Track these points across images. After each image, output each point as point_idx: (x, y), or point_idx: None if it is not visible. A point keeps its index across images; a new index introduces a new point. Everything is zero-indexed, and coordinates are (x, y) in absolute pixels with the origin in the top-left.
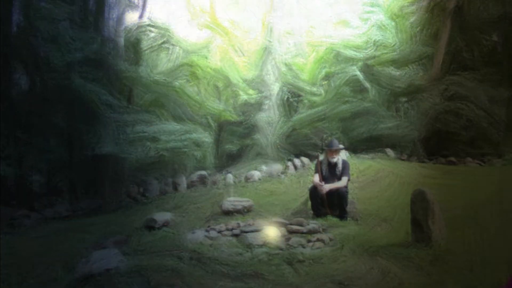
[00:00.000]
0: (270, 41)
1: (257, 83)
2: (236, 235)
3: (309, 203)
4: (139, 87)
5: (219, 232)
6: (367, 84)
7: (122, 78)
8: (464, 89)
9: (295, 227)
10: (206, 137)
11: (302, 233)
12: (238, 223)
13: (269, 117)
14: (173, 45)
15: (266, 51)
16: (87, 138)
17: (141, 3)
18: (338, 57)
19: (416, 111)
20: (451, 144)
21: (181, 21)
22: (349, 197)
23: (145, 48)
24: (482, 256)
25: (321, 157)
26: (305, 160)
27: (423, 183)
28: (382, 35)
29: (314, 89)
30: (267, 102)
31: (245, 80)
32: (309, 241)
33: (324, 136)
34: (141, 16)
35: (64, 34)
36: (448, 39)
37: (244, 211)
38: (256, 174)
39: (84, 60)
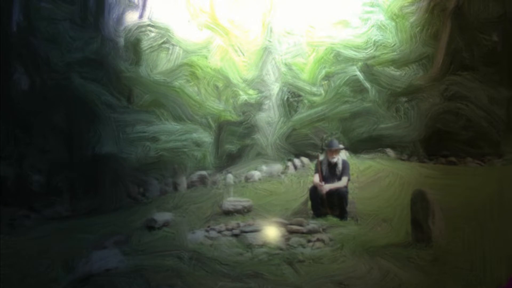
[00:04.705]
0: (270, 41)
1: (257, 83)
2: (236, 235)
3: (309, 203)
4: (139, 87)
5: (219, 232)
6: (367, 84)
7: (122, 78)
8: (464, 89)
9: (295, 227)
10: (206, 137)
11: (302, 233)
12: (238, 223)
13: (269, 117)
14: (173, 45)
15: (266, 51)
16: (87, 138)
17: (141, 3)
18: (338, 57)
19: (416, 111)
20: (451, 144)
21: (181, 21)
22: (349, 197)
23: (145, 48)
24: (482, 256)
25: (321, 157)
26: (305, 160)
27: (423, 183)
28: (382, 35)
29: (314, 89)
30: (267, 102)
31: (245, 80)
32: (309, 241)
33: (324, 136)
34: (141, 16)
35: (64, 34)
36: (448, 39)
37: (244, 211)
38: (256, 174)
39: (84, 60)
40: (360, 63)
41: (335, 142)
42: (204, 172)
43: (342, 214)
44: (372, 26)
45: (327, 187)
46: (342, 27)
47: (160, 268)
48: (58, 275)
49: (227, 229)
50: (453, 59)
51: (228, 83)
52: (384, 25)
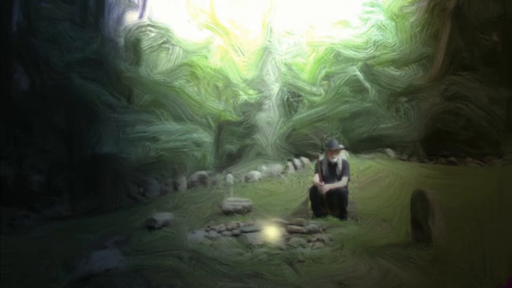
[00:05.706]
0: (270, 41)
1: (257, 83)
2: (236, 235)
3: (309, 203)
4: (139, 87)
5: (219, 232)
6: (367, 84)
7: (122, 78)
8: (464, 89)
9: (295, 227)
10: (206, 137)
11: (302, 233)
12: (238, 223)
13: (269, 117)
14: (173, 45)
15: (266, 51)
16: (87, 138)
17: (141, 3)
18: (338, 57)
19: (416, 111)
20: (451, 144)
21: (181, 21)
22: (349, 197)
23: (145, 48)
24: (482, 256)
25: (321, 157)
26: (305, 160)
27: (423, 183)
28: (382, 35)
29: (314, 89)
30: (267, 102)
31: (245, 80)
32: (309, 241)
33: (324, 136)
34: (141, 16)
35: (64, 34)
36: (448, 39)
37: (244, 211)
38: (256, 174)
39: (84, 60)
40: (360, 63)
41: (335, 142)
42: (204, 172)
43: (342, 214)
44: (372, 26)
45: (327, 187)
46: (342, 27)
47: (160, 268)
48: (58, 275)
49: (227, 229)
50: (453, 59)
51: (228, 83)
52: (384, 25)
